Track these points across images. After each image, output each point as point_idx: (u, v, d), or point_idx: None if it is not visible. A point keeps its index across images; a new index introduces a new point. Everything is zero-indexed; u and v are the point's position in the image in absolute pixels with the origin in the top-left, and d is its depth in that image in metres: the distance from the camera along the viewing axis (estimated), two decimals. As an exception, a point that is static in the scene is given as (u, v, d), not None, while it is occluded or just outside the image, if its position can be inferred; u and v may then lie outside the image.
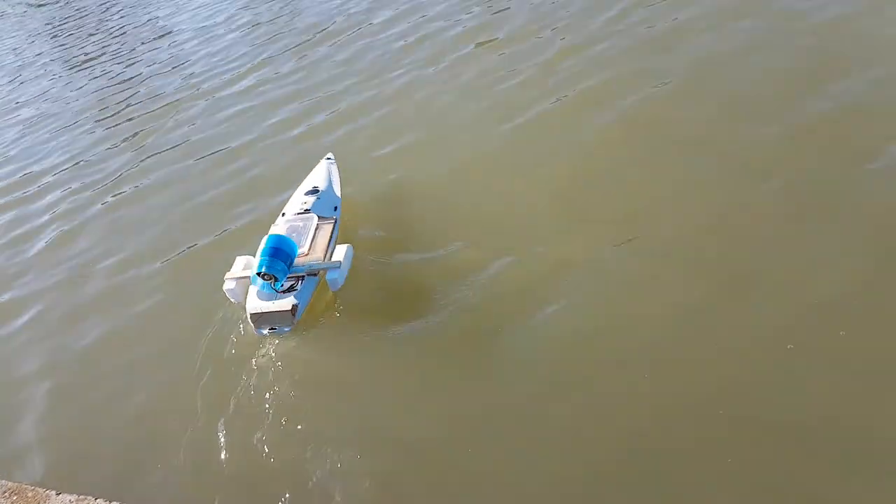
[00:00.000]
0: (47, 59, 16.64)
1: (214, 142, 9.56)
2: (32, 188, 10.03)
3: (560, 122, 7.42)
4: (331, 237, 6.04)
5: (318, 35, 11.94)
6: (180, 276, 7.06)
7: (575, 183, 6.47)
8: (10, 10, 23.74)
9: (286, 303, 5.43)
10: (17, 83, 15.55)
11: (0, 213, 9.65)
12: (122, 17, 17.87)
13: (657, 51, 8.03)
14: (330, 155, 7.31)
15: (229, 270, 5.86)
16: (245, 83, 11.14)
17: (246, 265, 5.85)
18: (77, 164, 10.33)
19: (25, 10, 23.07)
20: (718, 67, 7.43)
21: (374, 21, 11.64)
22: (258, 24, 13.64)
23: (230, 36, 13.54)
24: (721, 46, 7.72)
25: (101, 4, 19.80)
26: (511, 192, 6.59)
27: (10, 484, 5.29)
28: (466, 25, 10.32)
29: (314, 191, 6.60)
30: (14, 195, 10.05)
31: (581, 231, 5.89)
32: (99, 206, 8.89)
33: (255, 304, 5.50)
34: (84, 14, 19.53)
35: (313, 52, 11.39)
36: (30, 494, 5.15)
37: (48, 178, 10.16)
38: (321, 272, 5.72)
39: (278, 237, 5.57)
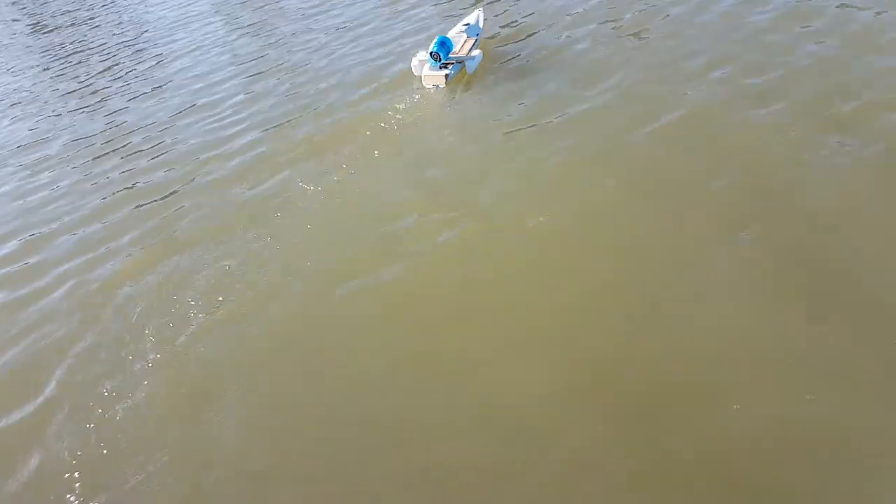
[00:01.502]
0: (46, 98, 15.80)
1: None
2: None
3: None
4: (472, 46, 11.25)
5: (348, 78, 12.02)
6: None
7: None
8: (10, 40, 22.88)
9: (442, 73, 10.67)
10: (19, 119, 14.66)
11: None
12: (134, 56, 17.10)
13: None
14: (481, 7, 12.57)
15: (416, 56, 11.04)
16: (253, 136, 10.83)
17: (423, 56, 10.98)
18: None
19: (27, 39, 22.23)
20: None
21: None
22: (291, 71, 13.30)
23: (255, 86, 13.08)
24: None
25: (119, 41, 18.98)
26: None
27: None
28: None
29: (467, 24, 11.95)
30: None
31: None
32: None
33: (427, 72, 10.80)
34: (93, 46, 18.81)
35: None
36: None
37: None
38: (463, 62, 10.86)
39: (444, 37, 10.86)
